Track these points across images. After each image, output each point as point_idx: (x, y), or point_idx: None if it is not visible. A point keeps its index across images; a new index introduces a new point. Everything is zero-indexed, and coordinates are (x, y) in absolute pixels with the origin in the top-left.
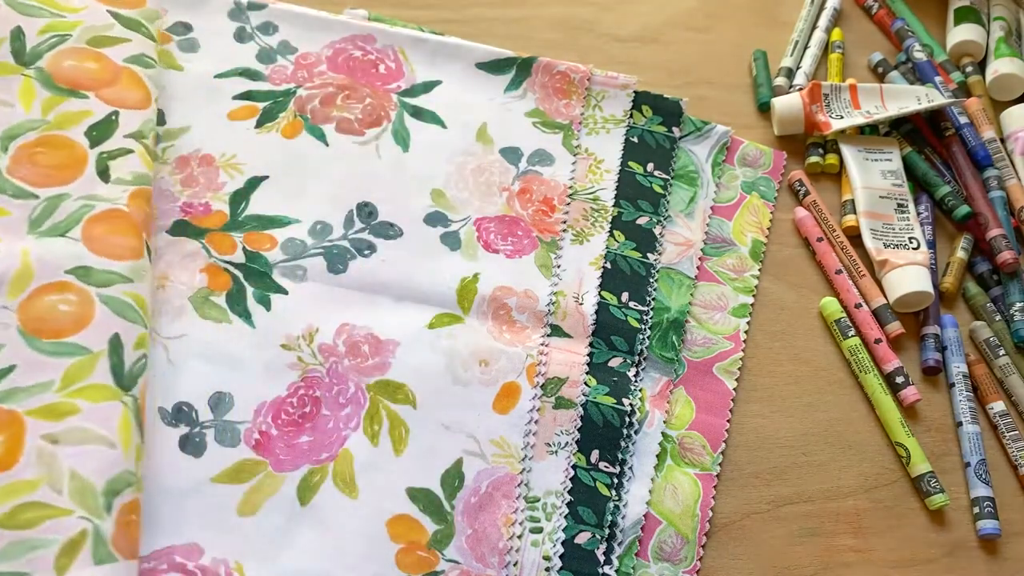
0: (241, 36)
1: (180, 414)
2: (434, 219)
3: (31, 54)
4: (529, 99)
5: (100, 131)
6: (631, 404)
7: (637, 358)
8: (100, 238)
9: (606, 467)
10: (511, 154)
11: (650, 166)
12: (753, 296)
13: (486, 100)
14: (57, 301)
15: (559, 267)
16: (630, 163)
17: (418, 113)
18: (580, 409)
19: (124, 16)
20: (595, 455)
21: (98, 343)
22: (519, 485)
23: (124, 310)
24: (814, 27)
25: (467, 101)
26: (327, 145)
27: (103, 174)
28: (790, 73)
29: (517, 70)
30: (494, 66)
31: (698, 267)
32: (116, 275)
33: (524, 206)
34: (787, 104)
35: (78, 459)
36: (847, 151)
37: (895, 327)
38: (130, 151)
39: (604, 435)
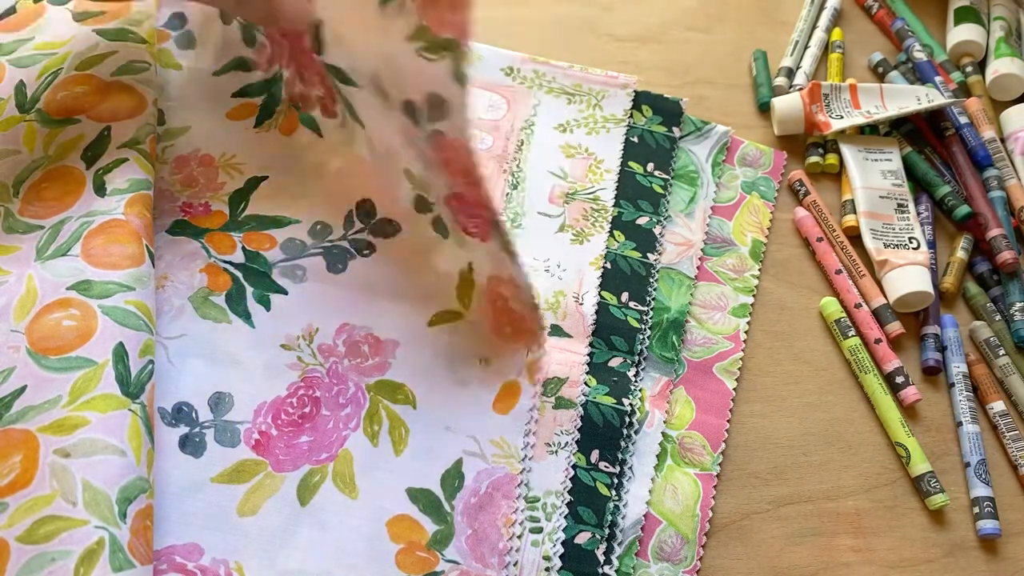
0: (225, 16)
1: (180, 414)
2: (420, 204)
3: (31, 100)
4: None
5: (95, 150)
6: (631, 404)
7: (637, 358)
8: (99, 250)
9: (606, 467)
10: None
11: (650, 166)
12: (753, 296)
13: None
14: (61, 318)
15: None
16: (630, 163)
17: None
18: (580, 409)
19: (109, 30)
20: (595, 455)
21: (102, 354)
22: (519, 485)
23: (127, 319)
24: (814, 27)
25: None
26: (321, 136)
27: (99, 189)
28: (790, 73)
29: None
30: None
31: (698, 267)
32: (116, 285)
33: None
34: (787, 104)
35: (90, 470)
36: (847, 151)
37: (895, 327)
38: (124, 160)
39: (604, 435)
